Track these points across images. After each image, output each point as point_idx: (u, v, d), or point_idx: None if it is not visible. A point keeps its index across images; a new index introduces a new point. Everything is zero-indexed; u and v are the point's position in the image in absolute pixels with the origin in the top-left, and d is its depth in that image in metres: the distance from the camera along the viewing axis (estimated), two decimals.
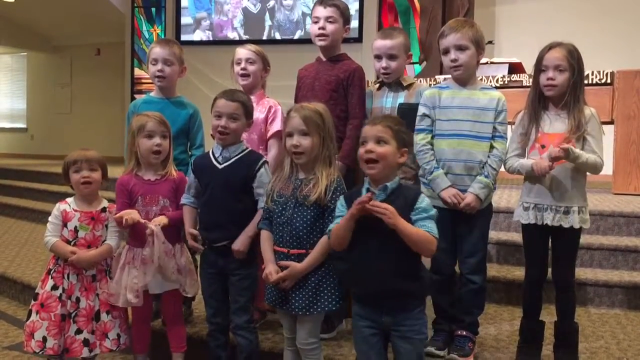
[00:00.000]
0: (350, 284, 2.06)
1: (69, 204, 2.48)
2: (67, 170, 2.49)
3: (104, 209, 2.51)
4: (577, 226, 2.36)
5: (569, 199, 2.36)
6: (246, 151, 2.39)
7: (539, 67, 2.39)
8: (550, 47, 2.39)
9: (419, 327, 1.94)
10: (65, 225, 2.45)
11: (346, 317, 2.87)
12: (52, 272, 2.45)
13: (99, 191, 2.56)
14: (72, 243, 2.44)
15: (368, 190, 1.95)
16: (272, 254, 2.18)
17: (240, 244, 2.30)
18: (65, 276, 2.43)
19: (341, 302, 2.18)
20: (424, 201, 1.91)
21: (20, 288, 3.73)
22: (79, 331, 2.41)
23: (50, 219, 2.47)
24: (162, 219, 2.40)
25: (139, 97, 3.10)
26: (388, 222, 1.82)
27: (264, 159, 2.39)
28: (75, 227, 2.45)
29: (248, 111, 2.38)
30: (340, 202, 2.02)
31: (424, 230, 1.85)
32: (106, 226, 2.50)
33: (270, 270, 2.13)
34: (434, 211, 1.92)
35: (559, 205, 2.36)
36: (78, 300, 2.43)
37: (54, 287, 2.42)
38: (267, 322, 2.86)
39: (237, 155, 2.36)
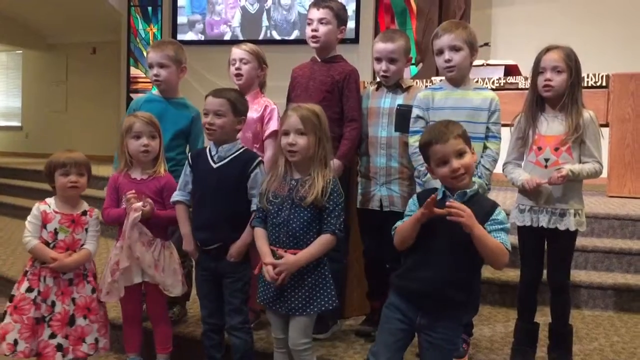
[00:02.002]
0: (402, 282, 1.99)
1: (48, 205, 2.44)
2: (52, 171, 2.44)
3: (84, 212, 2.48)
4: (572, 229, 2.35)
5: (565, 202, 2.36)
6: (241, 150, 2.39)
7: (537, 69, 2.40)
8: (547, 49, 2.39)
9: (452, 337, 1.93)
10: (44, 226, 2.41)
11: (340, 318, 2.88)
12: (28, 273, 2.41)
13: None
14: (51, 245, 2.40)
15: (444, 193, 1.94)
16: (268, 249, 2.16)
17: (235, 253, 2.31)
18: (42, 279, 2.39)
19: (337, 302, 2.18)
20: (500, 214, 1.89)
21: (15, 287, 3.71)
22: (52, 335, 2.37)
23: (29, 218, 2.43)
24: (148, 209, 2.39)
25: (139, 96, 3.08)
26: (464, 223, 1.78)
27: (260, 159, 2.39)
28: (55, 229, 2.41)
29: (237, 108, 2.36)
30: (413, 200, 2.01)
31: (498, 241, 1.83)
32: (86, 230, 2.46)
33: (268, 264, 2.11)
34: (508, 225, 1.89)
35: (554, 207, 2.36)
36: (53, 304, 2.38)
37: (29, 290, 2.38)
38: (261, 322, 2.85)
39: (232, 155, 2.36)
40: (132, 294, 2.48)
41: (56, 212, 2.43)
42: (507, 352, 2.55)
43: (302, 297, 2.12)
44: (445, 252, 1.89)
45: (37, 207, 2.44)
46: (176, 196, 2.44)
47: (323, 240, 2.11)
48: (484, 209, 1.88)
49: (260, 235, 2.21)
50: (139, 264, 2.42)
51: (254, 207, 2.31)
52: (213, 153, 2.37)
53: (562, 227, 2.35)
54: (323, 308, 2.14)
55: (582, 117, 2.34)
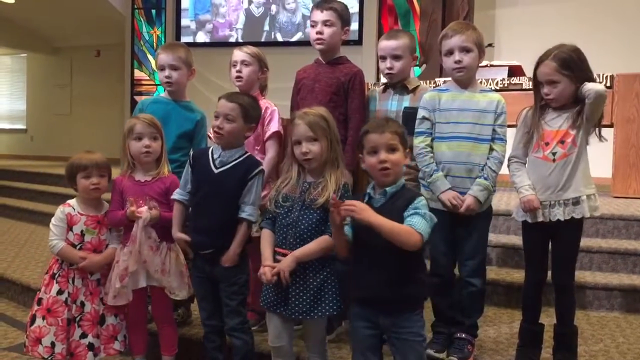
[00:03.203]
0: (349, 289, 2.05)
1: (72, 207, 2.46)
2: (74, 174, 2.45)
3: (107, 213, 2.50)
4: (587, 215, 2.35)
5: (575, 189, 2.35)
6: (244, 156, 2.36)
7: (535, 81, 2.40)
8: (539, 61, 2.36)
9: (417, 329, 1.94)
10: (70, 228, 2.43)
11: (345, 319, 2.87)
12: (56, 276, 2.42)
13: None
14: (77, 247, 2.42)
15: (369, 194, 1.96)
16: (270, 253, 2.16)
17: (228, 261, 2.29)
18: (70, 280, 2.42)
19: (342, 307, 2.17)
20: (420, 202, 1.90)
21: (20, 289, 3.73)
22: (83, 335, 2.41)
23: (54, 221, 2.44)
24: (155, 213, 2.40)
25: (143, 98, 3.09)
26: (357, 217, 1.82)
27: (261, 168, 2.35)
28: (82, 231, 2.43)
29: (248, 114, 2.33)
30: None
31: (407, 225, 1.84)
32: (110, 230, 2.50)
33: (266, 269, 2.11)
34: (425, 210, 1.89)
35: (566, 199, 2.36)
36: (82, 304, 2.42)
37: (60, 292, 2.40)
38: (265, 324, 2.85)
39: (234, 161, 2.33)
40: (137, 297, 2.48)
41: (81, 214, 2.45)
42: (512, 353, 2.55)
43: (307, 301, 2.11)
44: (379, 253, 1.89)
45: (62, 210, 2.45)
46: (175, 194, 2.43)
47: (321, 240, 2.10)
48: (407, 200, 1.90)
49: (266, 238, 2.20)
50: (145, 267, 2.43)
51: (242, 215, 2.28)
52: (215, 156, 2.34)
53: (577, 216, 2.34)
54: (327, 313, 2.14)
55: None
